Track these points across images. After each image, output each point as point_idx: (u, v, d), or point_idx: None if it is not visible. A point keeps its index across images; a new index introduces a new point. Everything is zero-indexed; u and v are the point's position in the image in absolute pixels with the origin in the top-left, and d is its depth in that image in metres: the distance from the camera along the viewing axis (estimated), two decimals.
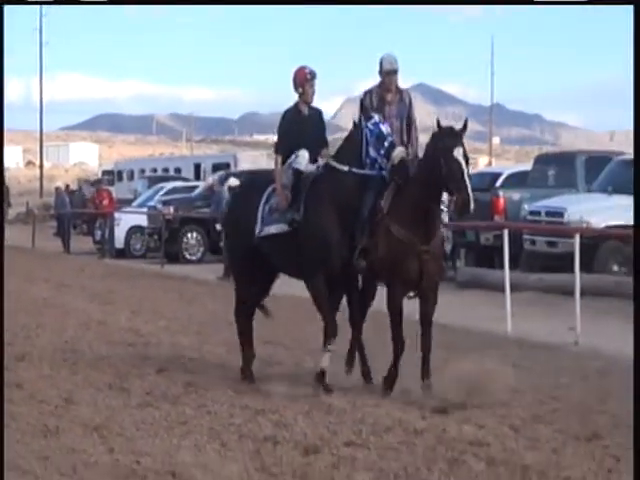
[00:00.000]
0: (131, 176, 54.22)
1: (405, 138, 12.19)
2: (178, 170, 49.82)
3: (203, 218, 32.52)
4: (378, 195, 11.52)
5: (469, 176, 11.10)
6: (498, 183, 26.09)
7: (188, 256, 32.46)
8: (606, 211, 21.63)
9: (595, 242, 20.51)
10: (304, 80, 12.14)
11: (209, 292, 24.50)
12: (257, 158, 44.92)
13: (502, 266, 18.40)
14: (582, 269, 17.33)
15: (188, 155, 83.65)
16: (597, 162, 25.18)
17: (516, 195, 24.66)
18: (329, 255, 11.65)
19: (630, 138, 22.94)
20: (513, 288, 18.25)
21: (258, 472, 8.41)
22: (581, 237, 17.81)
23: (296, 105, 12.33)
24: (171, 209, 33.38)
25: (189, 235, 32.84)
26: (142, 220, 34.46)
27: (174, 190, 36.61)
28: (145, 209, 35.12)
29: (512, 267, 18.94)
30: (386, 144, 11.42)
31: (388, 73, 12.02)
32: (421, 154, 11.91)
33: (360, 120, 11.75)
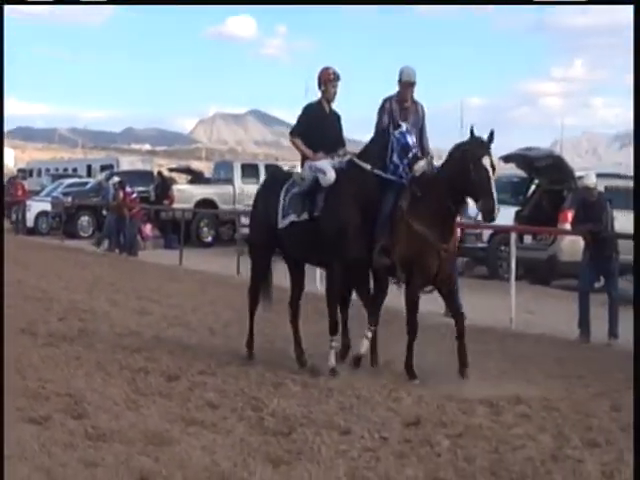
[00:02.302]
0: (39, 174, 52.99)
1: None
2: (75, 170, 48.88)
3: (93, 205, 32.04)
4: (397, 196, 9.57)
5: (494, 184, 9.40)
6: None
7: (82, 234, 31.97)
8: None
9: None
10: (327, 80, 10.13)
11: (97, 260, 24.22)
12: (134, 162, 44.47)
13: None
14: None
15: (82, 158, 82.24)
16: None
17: None
18: (348, 245, 9.58)
19: None
20: None
21: (134, 393, 8.39)
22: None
23: (319, 102, 10.28)
24: (69, 199, 32.95)
25: (82, 218, 32.33)
26: (47, 206, 33.94)
27: (72, 185, 35.94)
28: (50, 198, 34.49)
29: None
30: (410, 155, 9.51)
31: (406, 85, 10.11)
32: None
33: (388, 127, 9.78)
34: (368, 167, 9.63)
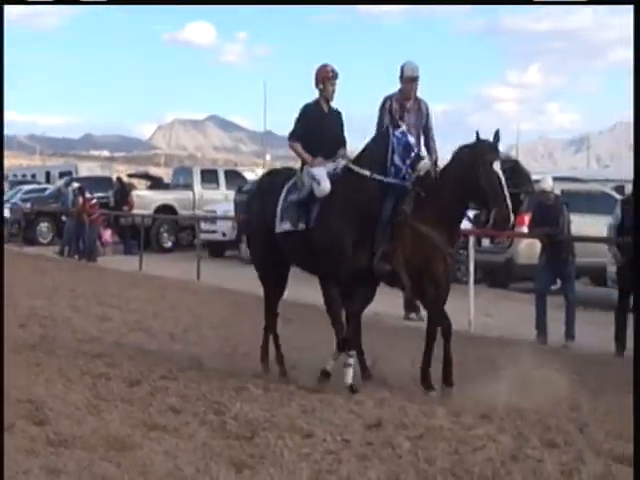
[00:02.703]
0: None
1: (424, 148, 9.84)
2: (34, 176, 48.55)
3: (53, 211, 31.79)
4: (398, 201, 8.82)
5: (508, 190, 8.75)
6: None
7: (41, 240, 31.75)
8: None
9: None
10: (325, 77, 9.39)
11: (57, 266, 24.10)
12: (92, 168, 44.25)
13: None
14: None
15: (41, 165, 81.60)
16: None
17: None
18: (344, 256, 8.81)
19: None
20: None
21: (95, 399, 8.32)
22: None
23: (317, 101, 9.54)
24: (28, 205, 32.69)
25: (42, 224, 32.12)
26: (6, 213, 33.72)
27: (31, 191, 35.73)
28: (9, 205, 34.26)
29: None
30: (412, 155, 8.89)
31: (408, 80, 9.55)
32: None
33: (388, 128, 9.15)
34: (367, 173, 8.88)
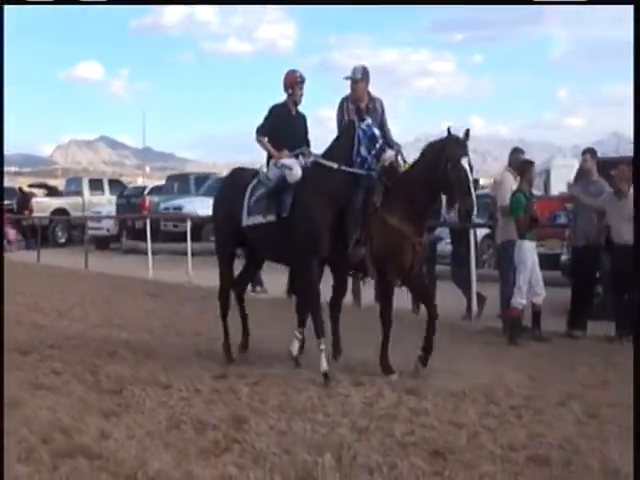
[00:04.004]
0: None
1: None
2: None
3: None
4: (368, 191, 7.63)
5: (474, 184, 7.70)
6: (146, 192, 25.60)
7: None
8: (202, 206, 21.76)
9: (201, 224, 20.41)
10: (294, 82, 8.19)
11: None
12: None
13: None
14: (193, 240, 17.49)
15: None
16: (201, 179, 25.34)
17: (155, 199, 24.33)
18: (320, 243, 7.52)
19: None
20: (154, 252, 18.14)
21: None
22: (192, 221, 17.96)
23: (285, 103, 8.26)
24: None
25: None
26: None
27: None
28: None
29: (153, 240, 18.83)
30: (377, 146, 7.58)
31: (351, 81, 8.29)
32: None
33: (354, 121, 7.81)
34: (335, 165, 7.63)
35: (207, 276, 15.71)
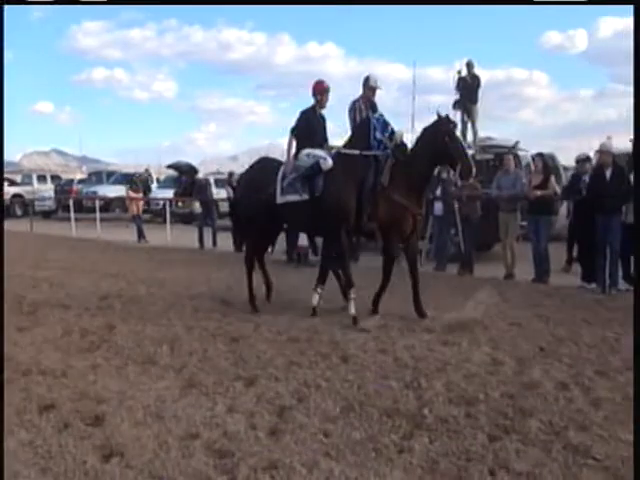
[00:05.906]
0: None
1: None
2: None
3: None
4: (376, 174, 6.75)
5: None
6: (74, 182, 25.09)
7: None
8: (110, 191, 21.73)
9: (109, 202, 20.34)
10: (323, 90, 7.07)
11: None
12: None
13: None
14: (103, 211, 17.41)
15: None
16: (110, 174, 25.32)
17: (80, 186, 23.98)
18: (347, 216, 6.70)
19: None
20: (77, 220, 17.36)
21: None
22: (102, 200, 17.85)
23: (313, 107, 7.11)
24: None
25: None
26: None
27: None
28: None
29: (77, 212, 18.17)
30: (389, 128, 6.85)
31: (371, 89, 7.25)
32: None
33: (367, 115, 7.00)
34: (356, 152, 6.81)
35: (112, 234, 15.85)
